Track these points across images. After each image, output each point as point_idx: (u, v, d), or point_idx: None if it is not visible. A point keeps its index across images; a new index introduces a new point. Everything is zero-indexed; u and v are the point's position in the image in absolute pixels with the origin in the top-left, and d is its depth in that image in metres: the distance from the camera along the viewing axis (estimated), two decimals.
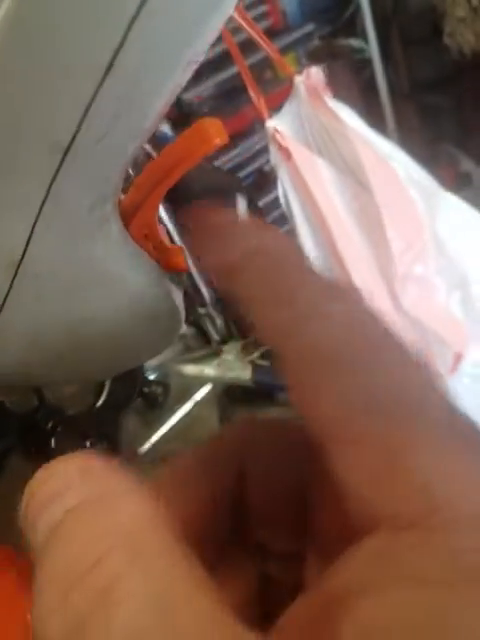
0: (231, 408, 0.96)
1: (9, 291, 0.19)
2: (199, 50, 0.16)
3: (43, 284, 0.19)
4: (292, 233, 0.68)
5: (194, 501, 0.16)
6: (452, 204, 0.60)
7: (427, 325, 0.59)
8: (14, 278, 0.18)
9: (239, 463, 0.17)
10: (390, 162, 0.58)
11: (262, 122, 0.65)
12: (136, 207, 0.21)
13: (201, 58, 0.16)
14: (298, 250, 0.18)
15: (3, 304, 0.19)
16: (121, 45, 0.14)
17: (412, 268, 0.58)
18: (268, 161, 1.15)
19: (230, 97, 1.20)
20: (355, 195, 0.58)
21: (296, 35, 1.39)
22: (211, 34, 0.16)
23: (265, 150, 1.23)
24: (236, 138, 1.22)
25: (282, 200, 0.63)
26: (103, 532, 0.12)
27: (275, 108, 0.96)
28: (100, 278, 0.20)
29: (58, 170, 0.16)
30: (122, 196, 0.21)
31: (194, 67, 0.17)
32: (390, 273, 0.59)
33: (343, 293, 0.16)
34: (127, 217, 0.21)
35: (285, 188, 0.61)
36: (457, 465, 0.12)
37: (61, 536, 0.12)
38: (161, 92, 0.16)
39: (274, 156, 0.60)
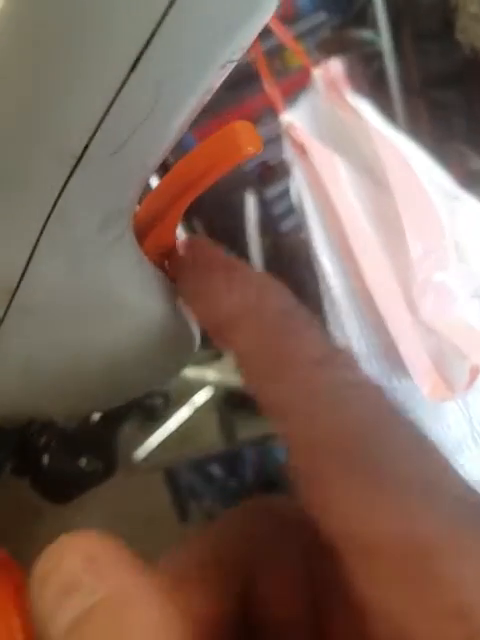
0: (232, 415, 0.94)
1: (3, 320, 0.16)
2: (235, 52, 0.13)
3: (43, 312, 0.16)
4: (303, 232, 0.65)
5: (198, 614, 0.15)
6: (474, 209, 0.57)
7: (444, 336, 0.56)
8: (9, 306, 0.15)
9: (245, 564, 0.16)
10: (411, 163, 0.55)
11: (269, 113, 0.62)
12: (152, 221, 0.17)
13: (236, 61, 0.13)
14: (299, 309, 0.17)
15: None
16: (148, 42, 0.11)
17: (431, 275, 0.55)
18: (274, 153, 1.13)
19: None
20: (373, 196, 0.55)
21: (307, 25, 1.36)
22: (249, 35, 0.13)
23: (271, 142, 1.20)
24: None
25: (294, 198, 0.60)
26: None
27: (283, 99, 0.93)
28: (109, 305, 0.17)
29: (66, 183, 0.13)
30: (137, 207, 0.18)
31: (228, 71, 0.14)
32: (408, 280, 0.56)
33: (343, 361, 0.15)
34: (141, 232, 0.17)
35: (298, 185, 0.58)
36: None
37: None
38: (189, 98, 0.13)
39: (288, 152, 0.56)
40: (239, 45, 0.13)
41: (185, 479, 0.95)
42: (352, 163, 0.56)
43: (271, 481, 0.95)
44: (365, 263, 0.55)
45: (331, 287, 0.57)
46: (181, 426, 0.93)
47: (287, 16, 1.34)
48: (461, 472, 0.14)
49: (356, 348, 0.59)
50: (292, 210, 0.81)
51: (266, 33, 0.87)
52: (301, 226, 0.66)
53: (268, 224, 0.89)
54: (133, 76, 0.12)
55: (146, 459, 0.89)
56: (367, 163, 0.55)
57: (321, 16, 1.44)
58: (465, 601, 0.11)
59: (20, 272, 0.14)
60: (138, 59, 0.12)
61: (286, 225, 1.13)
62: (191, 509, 0.96)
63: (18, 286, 0.15)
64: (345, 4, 1.52)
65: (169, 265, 0.18)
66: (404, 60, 1.57)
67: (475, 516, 0.12)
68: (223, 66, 0.13)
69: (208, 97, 0.14)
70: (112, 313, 0.17)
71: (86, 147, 0.13)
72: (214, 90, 0.14)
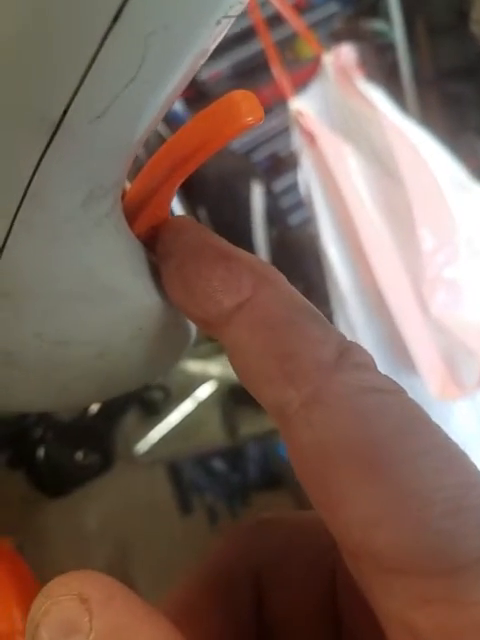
0: (235, 409, 0.93)
1: None
2: (233, 6, 0.11)
3: (22, 299, 0.14)
4: (311, 226, 0.64)
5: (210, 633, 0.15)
6: None
7: (454, 333, 0.55)
8: None
9: (254, 581, 0.16)
10: (423, 153, 0.53)
11: (280, 104, 0.60)
12: (144, 199, 0.16)
13: (233, 17, 0.12)
14: (304, 302, 0.15)
15: None
16: None
17: (442, 271, 0.54)
18: (284, 145, 1.11)
19: (246, 76, 1.16)
20: (383, 187, 0.54)
21: (319, 15, 1.34)
22: None
23: (281, 133, 1.19)
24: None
25: (302, 188, 0.58)
26: None
27: (295, 89, 0.92)
28: (94, 290, 0.15)
29: (43, 155, 0.11)
30: (127, 184, 0.16)
31: (224, 29, 0.12)
32: (418, 275, 0.54)
33: (358, 361, 0.13)
34: (132, 212, 0.16)
35: (307, 175, 0.56)
36: None
37: None
38: (181, 57, 0.12)
39: (297, 140, 0.55)
40: None
41: (188, 473, 0.95)
42: (362, 152, 0.54)
43: (274, 477, 0.95)
44: (374, 257, 0.54)
45: (339, 281, 0.56)
46: (183, 420, 0.93)
47: (299, 6, 1.32)
48: None
49: (363, 344, 0.58)
50: (300, 204, 0.79)
51: (278, 23, 0.85)
52: (309, 220, 0.65)
53: (275, 216, 0.88)
54: (116, 27, 0.10)
55: (148, 453, 0.89)
56: (378, 153, 0.54)
57: (333, 6, 1.42)
58: None
59: None
60: (122, 7, 0.10)
61: (294, 219, 1.12)
62: (193, 503, 0.96)
63: None
64: None
65: (155, 250, 0.16)
66: (417, 52, 1.55)
67: None
68: (219, 22, 0.12)
69: (202, 61, 0.13)
70: (98, 299, 0.16)
71: (65, 112, 0.11)
72: (209, 52, 0.12)
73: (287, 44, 1.15)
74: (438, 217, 0.55)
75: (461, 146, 1.65)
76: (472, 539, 0.11)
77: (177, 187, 0.16)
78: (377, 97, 0.53)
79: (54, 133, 0.11)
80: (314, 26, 1.33)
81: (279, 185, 1.09)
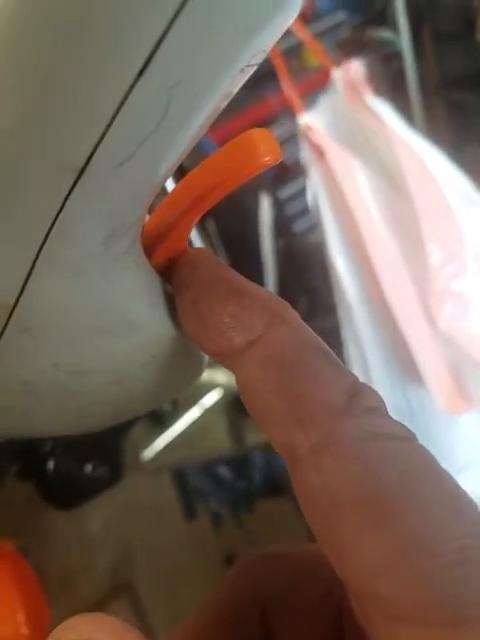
0: (241, 417, 0.93)
1: (0, 338, 0.14)
2: (255, 55, 0.12)
3: (43, 331, 0.15)
4: (316, 233, 0.64)
5: None
6: None
7: (462, 346, 0.55)
8: (7, 324, 0.14)
9: (261, 615, 0.16)
10: (431, 168, 0.53)
11: (286, 112, 0.60)
12: (163, 232, 0.16)
13: (256, 65, 0.12)
14: (315, 341, 0.15)
15: None
16: (159, 42, 0.10)
17: (450, 285, 0.54)
18: (291, 153, 1.12)
19: (253, 85, 1.16)
20: (391, 201, 0.54)
21: (326, 24, 1.35)
22: (271, 38, 0.12)
23: (288, 141, 1.19)
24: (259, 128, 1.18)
25: (310, 201, 0.59)
26: None
27: (302, 98, 0.92)
28: (112, 322, 0.16)
29: (67, 197, 0.12)
30: (146, 216, 0.16)
31: (248, 76, 0.12)
32: (426, 288, 0.55)
33: (369, 405, 0.13)
34: (150, 243, 0.16)
35: (315, 189, 0.56)
36: None
37: None
38: (203, 106, 0.12)
39: (305, 154, 0.55)
40: (260, 48, 0.12)
41: (193, 480, 0.95)
42: (371, 167, 0.54)
43: (277, 484, 0.95)
44: (382, 269, 0.54)
45: (346, 293, 0.56)
46: (189, 427, 0.92)
47: (306, 15, 1.32)
48: (473, 486, 0.13)
49: (370, 356, 0.58)
50: (306, 211, 0.80)
51: (285, 32, 0.85)
52: (314, 227, 0.65)
53: (281, 225, 0.88)
54: (142, 80, 0.10)
55: (154, 459, 0.89)
56: (386, 167, 0.54)
57: (340, 15, 1.43)
58: None
59: (18, 289, 0.13)
60: (148, 62, 0.10)
61: (299, 226, 1.12)
62: (198, 509, 0.96)
63: (16, 303, 0.14)
64: (365, 4, 1.51)
65: (171, 282, 0.17)
66: (424, 60, 1.55)
67: None
68: (242, 70, 0.12)
69: (225, 103, 0.13)
70: (115, 330, 0.16)
71: (89, 159, 0.11)
72: (232, 94, 0.13)
73: (294, 53, 1.15)
74: (446, 231, 0.55)
75: (467, 155, 1.65)
76: (477, 592, 0.11)
77: (195, 221, 0.16)
78: (385, 112, 0.53)
79: (78, 178, 0.12)
80: (321, 35, 1.33)
81: (285, 193, 1.10)
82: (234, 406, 0.97)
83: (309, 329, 0.15)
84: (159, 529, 0.97)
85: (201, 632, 0.15)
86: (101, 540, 0.97)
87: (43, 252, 0.13)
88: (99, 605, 0.92)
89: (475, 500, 0.12)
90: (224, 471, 0.95)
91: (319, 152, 0.52)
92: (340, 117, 0.55)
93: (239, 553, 0.98)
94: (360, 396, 0.13)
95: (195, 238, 0.78)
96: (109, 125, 0.11)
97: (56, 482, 0.38)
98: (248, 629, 0.16)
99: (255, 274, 0.87)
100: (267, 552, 0.17)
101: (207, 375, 0.90)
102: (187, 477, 0.95)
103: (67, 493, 0.41)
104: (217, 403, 0.95)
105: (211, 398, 0.96)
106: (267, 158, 0.14)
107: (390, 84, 1.50)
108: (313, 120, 0.54)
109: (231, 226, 0.91)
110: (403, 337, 0.55)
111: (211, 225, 0.84)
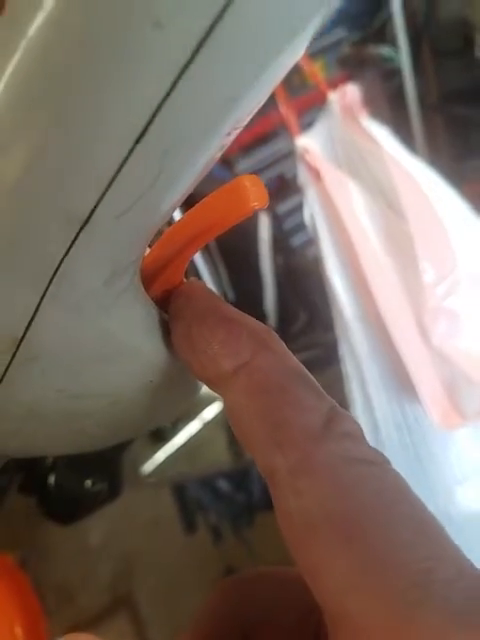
0: None
1: (8, 367, 0.16)
2: (242, 119, 0.13)
3: (48, 361, 0.16)
4: (313, 248, 0.65)
5: None
6: None
7: (455, 362, 0.56)
8: (14, 356, 0.15)
9: (244, 621, 0.16)
10: (425, 189, 0.55)
11: (285, 128, 0.61)
12: (160, 266, 0.17)
13: (242, 127, 0.13)
14: (298, 368, 0.16)
15: (2, 378, 0.16)
16: (154, 114, 0.11)
17: (443, 301, 0.55)
18: (290, 167, 1.13)
19: None
20: (387, 221, 0.55)
21: (326, 41, 1.36)
22: (258, 103, 0.13)
23: (288, 156, 1.21)
24: (259, 142, 1.20)
25: (308, 221, 0.60)
26: None
27: (302, 113, 0.93)
28: (113, 351, 0.17)
29: (72, 244, 0.13)
30: (147, 250, 0.18)
31: (235, 136, 0.14)
32: (420, 304, 0.56)
33: (346, 431, 0.14)
34: (148, 276, 0.18)
35: (312, 209, 0.58)
36: None
37: None
38: (195, 164, 0.13)
39: (303, 176, 0.57)
40: (247, 111, 0.13)
41: (193, 493, 0.96)
42: (366, 187, 0.56)
43: None
44: (378, 288, 0.55)
45: (343, 310, 0.57)
46: (190, 440, 0.93)
47: None
48: (467, 503, 0.13)
49: (367, 372, 0.59)
50: (304, 225, 0.81)
51: None
52: (311, 241, 0.66)
53: (280, 240, 0.89)
54: (138, 147, 0.12)
55: (154, 473, 0.89)
56: (381, 188, 0.55)
57: (341, 32, 1.44)
58: None
59: (25, 324, 0.15)
60: (144, 131, 0.11)
61: (298, 240, 1.13)
62: (198, 522, 0.97)
63: (24, 336, 0.15)
64: (365, 20, 1.52)
65: (167, 308, 0.18)
66: (423, 76, 1.57)
67: (472, 612, 0.12)
68: (229, 133, 0.13)
69: (219, 154, 0.14)
70: (115, 358, 0.17)
71: (92, 212, 0.13)
72: (225, 147, 0.14)
73: (295, 69, 1.17)
74: (439, 250, 0.56)
75: (467, 167, 1.66)
76: (437, 613, 0.11)
77: (190, 258, 0.17)
78: (381, 134, 0.55)
79: (82, 228, 0.13)
80: (322, 52, 1.35)
81: (284, 207, 1.11)
82: None
83: (292, 356, 0.16)
84: (159, 542, 0.97)
85: None
86: (101, 553, 0.97)
87: (48, 292, 0.14)
88: (98, 619, 0.92)
89: (471, 513, 0.13)
90: (223, 484, 0.95)
91: (316, 174, 0.54)
92: (337, 139, 0.56)
93: (239, 566, 0.97)
94: (337, 421, 0.14)
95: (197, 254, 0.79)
96: (109, 184, 0.12)
97: (57, 497, 0.39)
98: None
99: (255, 289, 0.88)
100: (246, 574, 0.17)
101: (207, 388, 0.90)
102: (187, 491, 0.95)
103: (67, 508, 0.42)
104: (217, 417, 0.96)
105: (211, 412, 0.96)
106: (256, 204, 0.16)
107: (390, 99, 1.52)
108: (310, 142, 0.55)
109: (231, 242, 0.92)
110: (399, 354, 0.56)
111: (212, 244, 0.85)
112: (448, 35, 1.61)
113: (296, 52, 0.12)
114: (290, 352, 0.16)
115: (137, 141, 0.12)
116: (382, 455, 0.14)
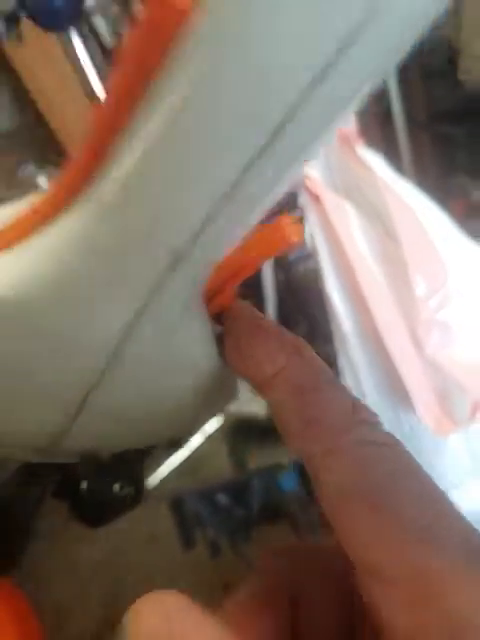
0: (242, 443, 0.94)
1: (103, 374, 0.19)
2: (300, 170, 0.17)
3: (134, 370, 0.20)
4: (312, 261, 0.68)
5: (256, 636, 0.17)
6: (476, 254, 0.62)
7: (448, 371, 0.60)
8: (108, 364, 0.19)
9: (292, 596, 0.18)
10: (417, 213, 0.59)
11: None
12: (215, 290, 0.21)
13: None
14: (323, 369, 0.19)
15: (97, 384, 0.20)
16: (250, 164, 0.14)
17: (436, 314, 0.59)
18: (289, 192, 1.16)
19: None
20: (381, 242, 0.59)
21: None
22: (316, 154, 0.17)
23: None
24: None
25: (308, 241, 0.64)
26: None
27: None
28: (181, 361, 0.21)
29: (168, 274, 0.17)
30: None
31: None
32: (414, 318, 0.60)
33: (365, 419, 0.17)
34: (205, 300, 0.22)
35: (312, 229, 0.62)
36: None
37: None
38: (262, 209, 0.17)
39: (303, 199, 0.61)
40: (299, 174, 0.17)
41: (191, 508, 0.95)
42: (362, 210, 0.60)
43: (275, 509, 0.95)
44: (374, 302, 0.59)
45: (341, 324, 0.61)
46: (192, 454, 0.94)
47: None
48: (462, 505, 0.17)
49: (364, 382, 0.63)
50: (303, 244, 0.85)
51: None
52: (310, 258, 0.69)
53: (281, 257, 0.92)
54: (228, 204, 0.15)
55: (157, 487, 0.90)
56: (376, 211, 0.60)
57: None
58: (461, 625, 0.13)
59: (118, 340, 0.18)
60: (246, 168, 0.14)
61: (296, 254, 1.16)
62: (196, 537, 0.96)
63: (116, 349, 0.19)
64: None
65: (219, 320, 0.22)
66: (410, 97, 1.61)
67: (477, 556, 0.14)
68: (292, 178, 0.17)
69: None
70: (182, 367, 0.21)
71: (190, 245, 0.16)
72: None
73: None
74: (430, 266, 0.60)
75: (453, 185, 1.69)
76: (438, 560, 0.14)
77: (239, 284, 0.21)
78: (376, 162, 0.59)
79: (179, 260, 0.16)
80: None
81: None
82: (235, 432, 0.98)
83: (319, 359, 0.19)
84: (156, 558, 0.96)
85: (247, 607, 0.18)
86: (97, 570, 0.96)
87: (142, 314, 0.18)
88: (96, 637, 0.91)
89: (468, 514, 0.16)
90: (222, 498, 0.96)
91: (316, 198, 0.58)
92: (335, 167, 0.60)
93: (237, 582, 0.93)
94: (357, 412, 0.17)
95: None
96: (205, 224, 0.16)
97: (89, 501, 0.41)
98: (281, 610, 0.18)
99: (257, 304, 0.91)
100: (297, 544, 0.20)
101: None
102: (185, 505, 0.95)
103: (98, 511, 0.45)
104: (218, 430, 0.98)
105: (212, 425, 0.97)
106: (294, 238, 0.19)
107: (380, 121, 1.56)
108: (310, 169, 0.60)
109: None
110: (394, 364, 0.59)
111: None
112: (435, 58, 1.65)
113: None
114: (317, 356, 0.20)
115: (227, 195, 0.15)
116: (395, 438, 0.17)
